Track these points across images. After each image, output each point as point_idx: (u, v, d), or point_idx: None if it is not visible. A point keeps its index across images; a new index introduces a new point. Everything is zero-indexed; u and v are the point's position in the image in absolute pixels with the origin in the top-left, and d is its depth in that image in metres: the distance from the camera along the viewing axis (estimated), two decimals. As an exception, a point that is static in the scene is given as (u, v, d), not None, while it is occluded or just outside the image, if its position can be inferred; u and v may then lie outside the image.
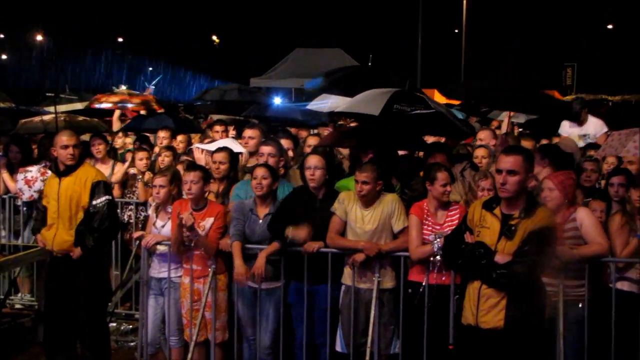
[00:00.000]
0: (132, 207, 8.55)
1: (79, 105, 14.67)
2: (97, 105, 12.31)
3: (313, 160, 6.37)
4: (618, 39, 44.90)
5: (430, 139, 8.67)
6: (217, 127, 9.72)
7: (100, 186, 6.64)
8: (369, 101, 7.03)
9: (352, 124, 10.62)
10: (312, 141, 8.44)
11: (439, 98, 28.03)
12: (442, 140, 8.34)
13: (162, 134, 9.67)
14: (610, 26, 46.35)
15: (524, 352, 4.75)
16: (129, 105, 12.09)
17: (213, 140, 8.66)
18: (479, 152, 7.83)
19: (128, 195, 8.78)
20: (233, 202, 6.67)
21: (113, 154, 9.75)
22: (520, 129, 12.61)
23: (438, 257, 5.80)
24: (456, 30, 38.29)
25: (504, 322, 4.72)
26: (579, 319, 5.87)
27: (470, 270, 4.94)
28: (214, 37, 55.14)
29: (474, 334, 4.85)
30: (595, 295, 5.99)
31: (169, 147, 8.99)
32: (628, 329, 5.84)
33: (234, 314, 6.53)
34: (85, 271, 6.61)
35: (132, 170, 8.76)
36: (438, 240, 5.74)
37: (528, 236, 4.70)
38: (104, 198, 6.60)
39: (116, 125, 12.31)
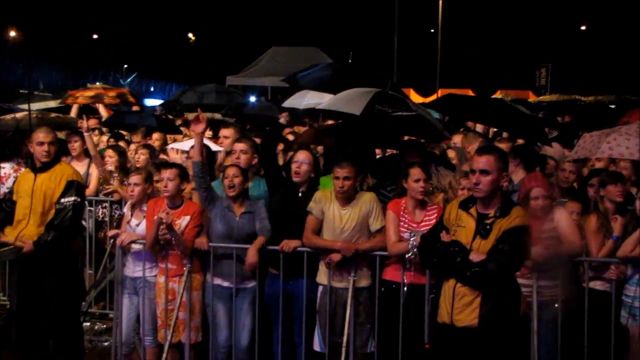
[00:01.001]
0: (107, 204, 8.47)
1: (52, 103, 14.53)
2: (72, 102, 12.18)
3: (301, 156, 6.40)
4: (591, 40, 45.35)
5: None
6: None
7: (74, 186, 6.55)
8: (351, 100, 7.04)
9: (328, 122, 10.61)
10: (226, 132, 8.36)
11: (414, 97, 28.15)
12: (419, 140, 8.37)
13: (135, 137, 9.62)
14: (583, 27, 46.78)
15: (497, 351, 4.77)
16: (105, 99, 11.98)
17: (189, 139, 8.62)
18: (450, 154, 7.81)
19: (103, 193, 8.70)
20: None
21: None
22: (496, 130, 12.67)
23: (412, 256, 5.82)
24: (432, 30, 38.43)
25: (477, 320, 4.74)
26: (553, 318, 5.91)
27: (445, 269, 4.96)
28: (190, 35, 54.88)
29: (449, 332, 4.87)
30: (570, 294, 6.05)
31: (146, 146, 8.92)
32: (601, 328, 5.89)
33: (207, 315, 6.50)
34: (55, 270, 6.52)
35: (109, 167, 8.68)
36: (413, 238, 5.76)
37: (502, 235, 4.73)
38: (72, 198, 6.48)
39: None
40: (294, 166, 6.38)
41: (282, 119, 10.69)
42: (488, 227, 4.78)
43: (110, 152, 8.68)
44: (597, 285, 6.10)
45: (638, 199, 5.94)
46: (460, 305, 4.80)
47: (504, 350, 4.79)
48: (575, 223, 6.06)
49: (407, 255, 5.90)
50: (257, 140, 7.66)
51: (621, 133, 6.20)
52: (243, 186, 6.41)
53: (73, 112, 12.25)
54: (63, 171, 6.60)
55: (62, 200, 6.48)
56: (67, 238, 6.53)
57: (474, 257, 4.75)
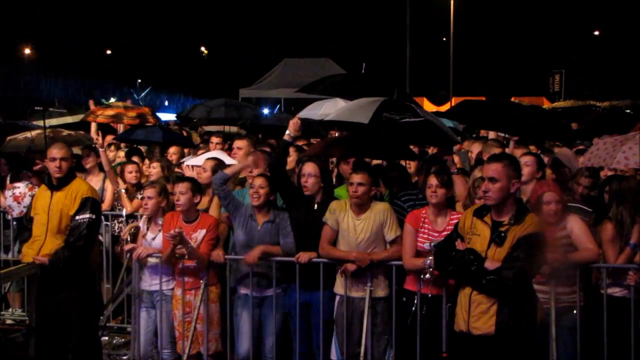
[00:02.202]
0: (123, 219, 8.51)
1: (69, 119, 14.61)
2: (92, 120, 12.23)
3: (307, 168, 6.43)
4: (604, 45, 45.18)
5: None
6: (214, 139, 9.71)
7: (89, 202, 6.50)
8: (358, 110, 7.07)
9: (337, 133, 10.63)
10: (240, 144, 8.41)
11: (428, 106, 28.13)
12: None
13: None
14: (596, 32, 46.62)
15: (515, 358, 4.74)
16: (125, 119, 12.02)
17: (206, 152, 8.67)
18: (455, 159, 7.76)
19: (118, 208, 8.74)
20: (225, 214, 6.70)
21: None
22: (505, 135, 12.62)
23: (428, 276, 5.80)
24: (444, 38, 38.44)
25: (494, 328, 4.73)
26: (572, 325, 5.89)
27: (460, 277, 4.95)
28: (203, 49, 55.15)
29: (466, 340, 4.86)
30: (588, 301, 6.02)
31: (158, 159, 8.97)
32: (620, 334, 5.85)
33: (226, 325, 6.53)
34: (73, 285, 6.53)
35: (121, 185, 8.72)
36: (430, 259, 5.72)
37: (517, 242, 4.72)
38: (87, 215, 6.43)
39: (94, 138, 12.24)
40: (302, 180, 6.43)
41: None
42: (503, 234, 4.77)
43: (130, 167, 8.75)
44: (615, 291, 6.06)
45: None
46: (476, 313, 4.79)
47: (521, 358, 4.76)
48: (589, 230, 6.02)
49: (422, 277, 5.88)
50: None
51: (636, 141, 6.10)
52: (269, 197, 6.47)
53: (92, 129, 12.32)
54: (78, 188, 6.61)
55: (77, 217, 6.45)
56: (83, 255, 6.54)
57: (489, 264, 4.74)
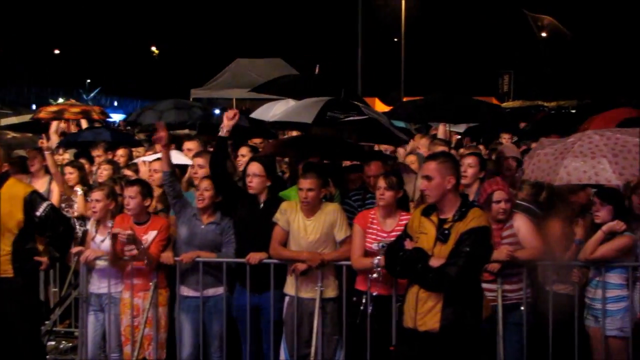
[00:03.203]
0: (72, 222, 8.37)
1: (14, 120, 14.32)
2: (35, 117, 12.03)
3: (252, 168, 6.43)
4: (552, 47, 46.01)
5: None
6: None
7: (35, 197, 6.19)
8: (303, 110, 7.13)
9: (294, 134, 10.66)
10: (244, 151, 8.42)
11: (379, 106, 28.27)
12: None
13: (96, 152, 9.54)
14: (544, 34, 47.45)
15: (459, 354, 4.81)
16: (66, 114, 11.81)
17: (156, 153, 8.57)
18: (410, 159, 7.84)
19: (66, 209, 8.60)
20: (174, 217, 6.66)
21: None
22: (459, 137, 12.81)
23: (375, 275, 5.84)
24: (395, 39, 38.71)
25: (439, 324, 4.79)
26: (519, 321, 5.99)
27: (408, 276, 5.00)
28: (153, 48, 54.60)
29: (413, 336, 4.92)
30: (534, 298, 6.13)
31: (109, 161, 8.85)
32: (566, 330, 5.97)
33: (174, 331, 6.49)
34: (14, 291, 6.31)
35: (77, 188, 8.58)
36: (378, 259, 5.76)
37: (460, 237, 4.80)
38: (45, 204, 6.09)
39: (53, 139, 12.03)
40: (247, 180, 6.42)
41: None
42: (446, 231, 4.85)
43: (69, 168, 8.61)
44: (560, 288, 6.17)
45: (596, 203, 6.02)
46: (423, 311, 4.84)
47: (465, 354, 4.84)
48: (535, 228, 6.13)
49: (370, 276, 5.92)
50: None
51: (576, 154, 6.11)
52: (214, 199, 6.45)
53: (52, 129, 12.06)
54: (10, 190, 6.07)
55: (37, 213, 6.12)
56: (70, 239, 6.35)
57: (434, 262, 4.81)
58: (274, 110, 10.73)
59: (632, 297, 5.97)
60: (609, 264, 5.95)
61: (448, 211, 4.92)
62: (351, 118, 7.12)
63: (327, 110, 7.02)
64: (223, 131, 6.48)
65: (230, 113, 6.53)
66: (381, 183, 6.07)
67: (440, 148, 8.58)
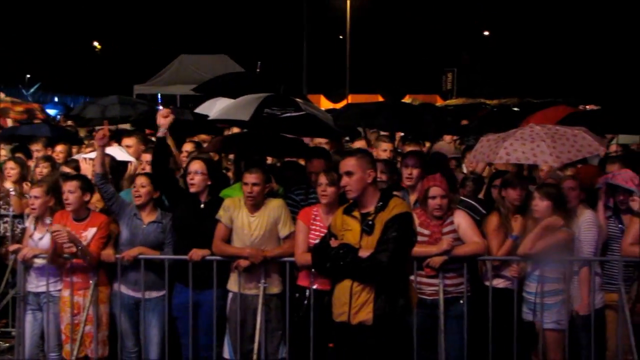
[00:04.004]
0: (9, 219, 8.20)
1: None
2: None
3: (194, 166, 6.39)
4: (494, 45, 46.77)
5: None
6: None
7: None
8: (241, 107, 7.14)
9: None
10: (189, 147, 8.36)
11: (325, 104, 28.27)
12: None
13: (35, 146, 9.34)
14: (486, 33, 48.20)
15: (393, 344, 4.88)
16: (11, 114, 11.55)
17: (93, 150, 8.43)
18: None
19: (3, 207, 8.41)
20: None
21: None
22: (402, 134, 12.90)
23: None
24: (341, 37, 38.86)
25: (372, 315, 4.84)
26: (459, 314, 6.09)
27: (338, 271, 5.03)
28: (96, 43, 53.66)
29: (346, 330, 4.97)
30: (474, 292, 6.23)
31: (47, 158, 8.68)
32: (504, 323, 6.08)
33: (115, 328, 6.42)
34: None
35: (7, 184, 8.40)
36: None
37: (385, 226, 4.88)
38: None
39: None
40: (188, 178, 6.38)
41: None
42: (371, 222, 4.92)
43: (11, 164, 8.43)
44: (499, 283, 6.28)
45: (535, 198, 6.13)
46: (358, 304, 4.90)
47: (397, 344, 4.90)
48: (475, 224, 6.22)
49: (312, 271, 5.95)
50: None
51: (517, 137, 6.33)
52: (151, 195, 6.39)
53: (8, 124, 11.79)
54: None
55: None
56: None
57: (363, 253, 4.87)
58: (217, 107, 10.66)
59: (569, 290, 6.11)
60: (547, 259, 6.08)
61: (369, 205, 4.99)
62: (289, 114, 7.14)
63: (265, 107, 7.03)
64: (160, 131, 6.43)
65: (164, 112, 6.48)
66: (322, 179, 6.09)
67: (385, 145, 8.65)
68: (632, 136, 8.70)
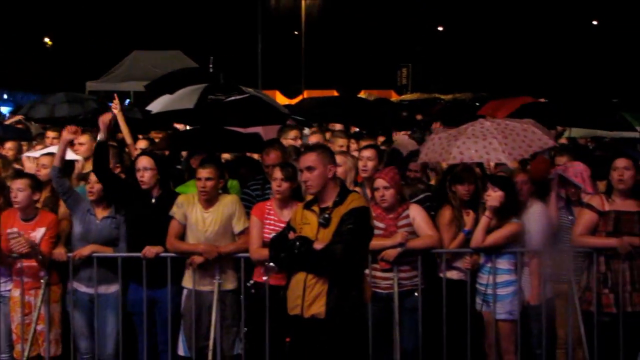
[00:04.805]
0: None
1: None
2: None
3: (143, 162, 6.36)
4: (448, 41, 47.21)
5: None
6: (50, 133, 9.28)
7: None
8: (184, 97, 7.15)
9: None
10: (142, 144, 8.29)
11: (280, 99, 28.26)
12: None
13: None
14: (440, 28, 48.62)
15: (346, 338, 4.91)
16: None
17: (45, 148, 8.29)
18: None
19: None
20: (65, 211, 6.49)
21: None
22: (357, 129, 12.97)
23: (272, 264, 5.85)
24: (296, 32, 38.84)
25: (325, 308, 4.87)
26: (414, 307, 6.14)
27: (293, 263, 5.05)
28: (47, 39, 52.77)
29: (300, 323, 4.99)
30: (428, 284, 6.29)
31: (-3, 156, 8.51)
32: (458, 315, 6.15)
33: (68, 327, 6.34)
34: None
35: None
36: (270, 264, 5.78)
37: (342, 219, 4.90)
38: None
39: None
40: (137, 174, 6.34)
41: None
42: (327, 216, 4.95)
43: None
44: (453, 275, 6.35)
45: (488, 189, 6.20)
46: (311, 297, 4.92)
47: (351, 338, 4.93)
48: (430, 217, 6.28)
49: (266, 264, 5.91)
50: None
51: (468, 135, 6.34)
52: (106, 191, 6.33)
53: None
54: None
55: None
56: None
57: (318, 245, 4.90)
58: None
59: (520, 281, 6.21)
60: (499, 251, 6.16)
61: (328, 199, 5.02)
62: (233, 98, 7.16)
63: (208, 94, 7.05)
64: (101, 135, 6.36)
65: (105, 117, 6.41)
66: (278, 174, 6.09)
67: (341, 141, 8.69)
68: (585, 130, 8.86)
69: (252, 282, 6.18)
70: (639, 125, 8.19)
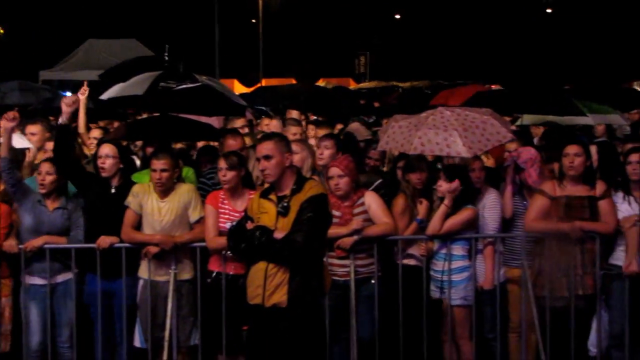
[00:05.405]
0: None
1: None
2: None
3: (105, 149, 6.28)
4: (405, 29, 47.40)
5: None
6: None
7: None
8: (135, 84, 7.12)
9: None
10: (96, 133, 8.18)
11: (238, 88, 28.05)
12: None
13: None
14: (397, 16, 48.76)
15: (306, 326, 4.95)
16: None
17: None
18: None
19: None
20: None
21: None
22: (315, 117, 12.97)
23: (230, 253, 5.86)
24: (253, 20, 38.62)
25: (287, 297, 4.89)
26: (370, 294, 6.18)
27: (254, 253, 5.06)
28: (-1, 28, 51.73)
29: (261, 312, 5.00)
30: (385, 272, 6.33)
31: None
32: (415, 302, 6.21)
33: (19, 322, 6.25)
34: None
35: None
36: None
37: (301, 207, 4.92)
38: None
39: None
40: (98, 162, 6.26)
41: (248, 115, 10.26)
42: (286, 204, 4.97)
43: None
44: (410, 261, 6.39)
45: (440, 179, 6.26)
46: (272, 286, 4.93)
47: (311, 326, 4.98)
48: (385, 204, 6.31)
49: (224, 253, 5.95)
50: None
51: (429, 126, 6.35)
52: (58, 182, 6.23)
53: None
54: None
55: None
56: None
57: (278, 234, 4.91)
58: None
59: (474, 267, 6.29)
60: (453, 237, 6.22)
61: (286, 188, 5.03)
62: (184, 86, 7.13)
63: (160, 82, 7.01)
64: (63, 118, 6.27)
65: (68, 100, 6.32)
66: (222, 164, 6.06)
67: (294, 129, 8.69)
68: (535, 117, 8.97)
69: (215, 273, 6.11)
70: (590, 112, 8.31)
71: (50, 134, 7.63)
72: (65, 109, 6.25)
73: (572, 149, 6.24)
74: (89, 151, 7.68)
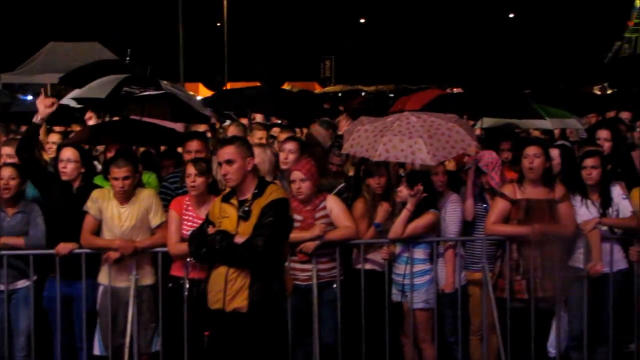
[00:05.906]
0: None
1: None
2: None
3: (66, 153, 6.23)
4: (370, 33, 47.64)
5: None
6: None
7: None
8: (98, 86, 7.03)
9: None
10: (55, 138, 8.09)
11: (203, 91, 27.91)
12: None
13: None
14: (362, 20, 48.98)
15: (267, 331, 4.93)
16: None
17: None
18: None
19: None
20: None
21: None
22: (279, 121, 12.97)
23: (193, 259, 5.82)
24: (218, 24, 38.51)
25: (247, 301, 4.88)
26: (332, 298, 6.18)
27: (214, 258, 5.03)
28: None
29: (221, 317, 4.98)
30: (347, 276, 6.33)
31: None
32: (377, 304, 6.21)
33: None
34: None
35: None
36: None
37: (262, 211, 4.92)
38: None
39: None
40: (60, 166, 6.20)
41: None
42: (247, 208, 4.96)
43: None
44: (370, 266, 6.38)
45: (402, 184, 6.28)
46: (233, 291, 4.92)
47: (272, 331, 4.96)
48: (347, 208, 6.31)
49: (188, 260, 5.91)
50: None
51: (394, 132, 6.31)
52: (20, 187, 6.18)
53: None
54: None
55: None
56: None
57: (239, 239, 4.90)
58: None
59: (436, 270, 6.32)
60: (415, 240, 6.24)
61: (247, 192, 5.02)
62: (147, 93, 7.07)
63: (123, 86, 6.95)
64: (37, 118, 6.18)
65: (47, 101, 6.21)
66: (191, 170, 6.02)
67: (259, 133, 8.67)
68: (495, 120, 9.03)
69: (183, 280, 6.06)
70: (548, 116, 8.40)
71: (6, 138, 7.55)
72: (45, 110, 6.16)
73: (531, 150, 6.28)
74: (47, 156, 7.58)
